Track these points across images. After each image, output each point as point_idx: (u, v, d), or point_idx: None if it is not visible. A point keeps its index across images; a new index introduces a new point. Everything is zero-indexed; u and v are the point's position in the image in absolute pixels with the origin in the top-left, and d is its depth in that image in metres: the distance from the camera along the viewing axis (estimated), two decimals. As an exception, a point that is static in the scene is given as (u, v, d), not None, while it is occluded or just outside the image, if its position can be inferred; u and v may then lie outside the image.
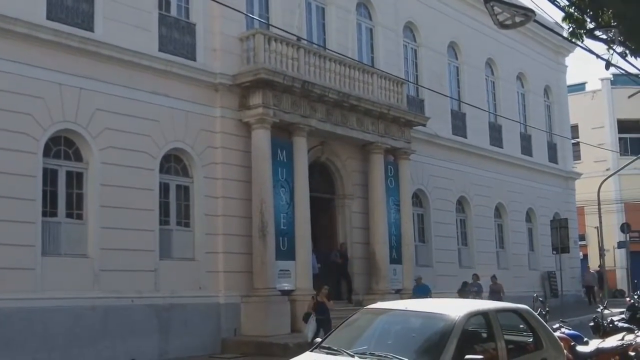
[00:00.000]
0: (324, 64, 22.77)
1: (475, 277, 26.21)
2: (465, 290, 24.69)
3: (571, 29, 10.32)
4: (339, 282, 24.06)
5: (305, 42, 22.76)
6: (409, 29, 29.46)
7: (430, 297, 20.66)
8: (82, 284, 17.08)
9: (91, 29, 18.00)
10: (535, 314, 10.60)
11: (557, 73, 40.17)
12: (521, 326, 10.07)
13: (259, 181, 20.62)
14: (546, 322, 11.51)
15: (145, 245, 18.44)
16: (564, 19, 10.37)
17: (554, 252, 33.25)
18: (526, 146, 36.20)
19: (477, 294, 24.05)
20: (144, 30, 19.11)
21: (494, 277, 26.94)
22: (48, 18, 17.10)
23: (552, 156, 38.65)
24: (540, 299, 20.31)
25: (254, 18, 21.48)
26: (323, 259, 23.39)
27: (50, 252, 16.77)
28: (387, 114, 24.65)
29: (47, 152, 16.97)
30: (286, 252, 21.31)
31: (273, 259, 20.56)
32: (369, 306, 10.86)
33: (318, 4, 24.84)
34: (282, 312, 20.39)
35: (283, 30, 19.89)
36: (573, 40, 10.73)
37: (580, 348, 12.90)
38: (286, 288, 21.12)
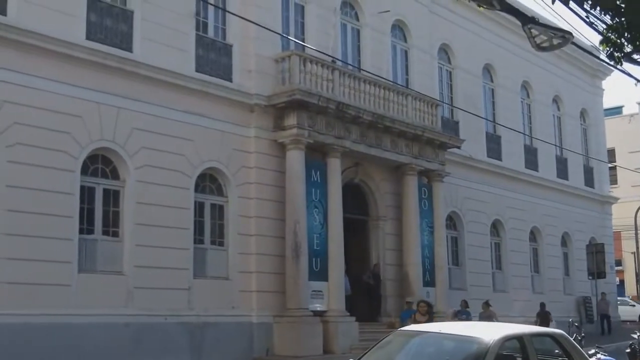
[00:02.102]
0: (358, 86, 22.83)
1: (464, 303, 25.04)
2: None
3: (608, 52, 10.25)
4: (371, 304, 23.96)
5: (340, 63, 22.84)
6: (444, 50, 29.48)
7: None
8: (116, 301, 17.21)
9: (129, 49, 18.25)
10: (571, 339, 10.50)
11: (593, 96, 39.85)
12: (556, 351, 9.97)
13: (292, 201, 20.67)
14: (582, 347, 11.39)
15: (180, 264, 18.54)
16: (601, 42, 10.31)
17: (590, 277, 32.94)
18: (562, 169, 35.89)
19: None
20: (181, 51, 19.33)
21: (485, 304, 24.70)
22: (87, 38, 17.39)
23: (589, 180, 38.24)
24: (576, 324, 20.13)
25: (289, 39, 21.63)
26: (355, 281, 23.30)
27: (86, 269, 16.94)
28: (422, 135, 24.62)
29: (84, 170, 17.19)
30: (319, 272, 21.29)
31: (306, 279, 20.55)
32: (402, 328, 10.83)
33: (353, 25, 24.96)
34: (314, 333, 20.33)
35: (318, 52, 20.00)
36: (611, 63, 10.66)
37: (616, 374, 12.74)
38: (318, 309, 21.07)
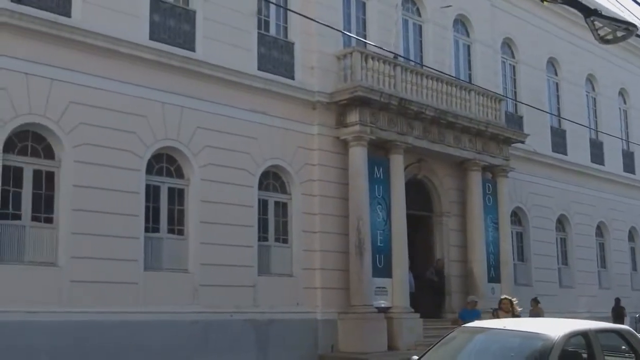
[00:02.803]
0: (420, 81, 22.72)
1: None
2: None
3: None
4: (435, 300, 23.83)
5: (402, 59, 22.77)
6: (507, 45, 29.15)
7: None
8: (182, 298, 17.44)
9: (192, 49, 18.47)
10: (638, 335, 10.31)
11: (661, 89, 38.94)
12: (623, 347, 9.82)
13: (355, 198, 20.67)
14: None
15: (244, 261, 18.69)
16: (667, 33, 10.09)
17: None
18: (628, 164, 35.19)
19: None
20: (244, 50, 19.48)
21: (534, 301, 23.74)
22: (151, 38, 17.64)
23: (657, 174, 37.41)
24: (643, 320, 19.70)
25: (351, 36, 21.63)
26: (418, 277, 23.20)
27: (152, 266, 17.19)
28: (485, 130, 24.40)
29: (149, 169, 17.44)
30: (382, 269, 21.26)
31: (369, 276, 20.54)
32: (466, 324, 10.77)
33: (415, 21, 24.84)
34: (378, 330, 20.33)
35: (380, 48, 19.97)
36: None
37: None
38: (383, 305, 21.03)
